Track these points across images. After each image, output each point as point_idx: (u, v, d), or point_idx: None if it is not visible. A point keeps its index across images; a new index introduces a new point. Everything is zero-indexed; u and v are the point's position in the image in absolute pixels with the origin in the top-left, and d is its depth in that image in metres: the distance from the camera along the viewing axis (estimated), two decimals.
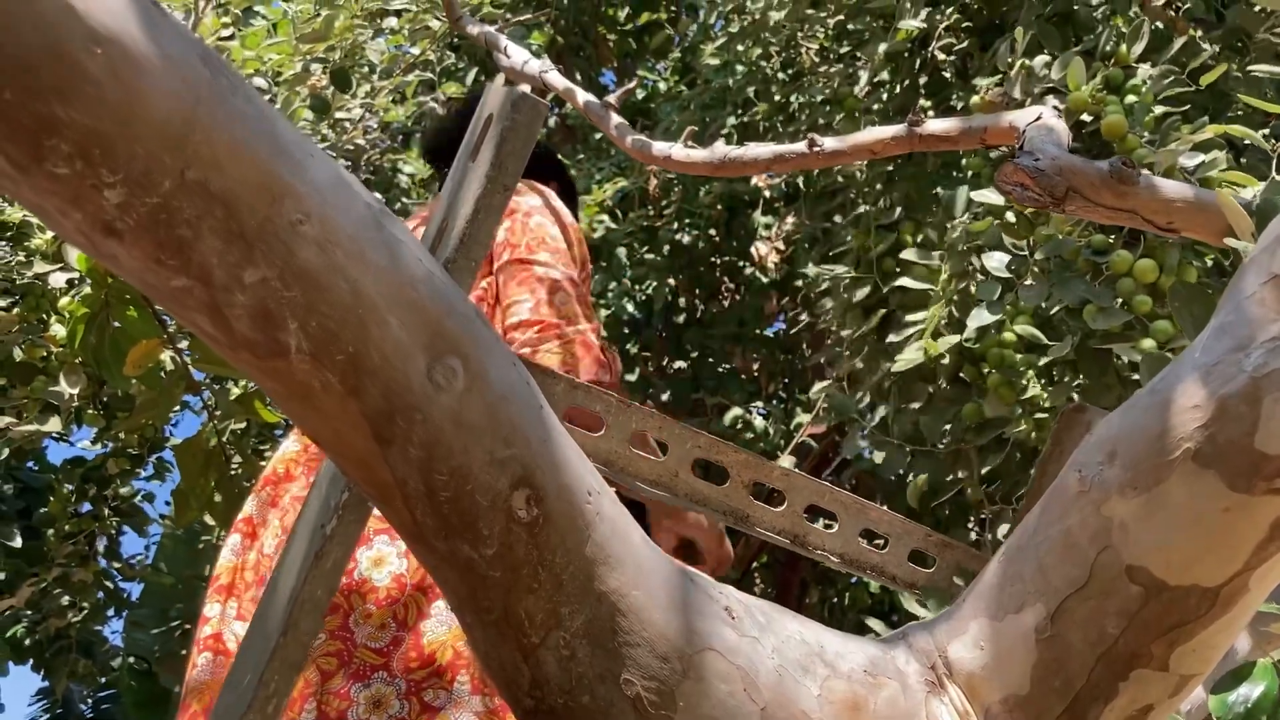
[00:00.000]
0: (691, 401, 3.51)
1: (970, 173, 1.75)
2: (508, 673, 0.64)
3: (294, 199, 0.52)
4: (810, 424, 2.82)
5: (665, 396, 3.55)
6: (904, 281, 1.57)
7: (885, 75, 2.05)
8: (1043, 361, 1.36)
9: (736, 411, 3.16)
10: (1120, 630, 0.66)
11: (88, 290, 1.96)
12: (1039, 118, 1.06)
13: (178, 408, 2.28)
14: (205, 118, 0.49)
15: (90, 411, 2.16)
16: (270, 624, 0.68)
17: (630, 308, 3.80)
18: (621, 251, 3.43)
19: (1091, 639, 0.67)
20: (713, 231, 3.44)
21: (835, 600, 3.69)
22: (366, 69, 2.33)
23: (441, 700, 1.06)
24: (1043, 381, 1.37)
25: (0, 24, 0.43)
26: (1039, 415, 1.40)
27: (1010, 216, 1.32)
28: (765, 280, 3.69)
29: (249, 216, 0.51)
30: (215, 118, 0.49)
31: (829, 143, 1.21)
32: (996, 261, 1.32)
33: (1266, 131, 1.23)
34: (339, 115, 2.60)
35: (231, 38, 2.42)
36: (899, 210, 1.94)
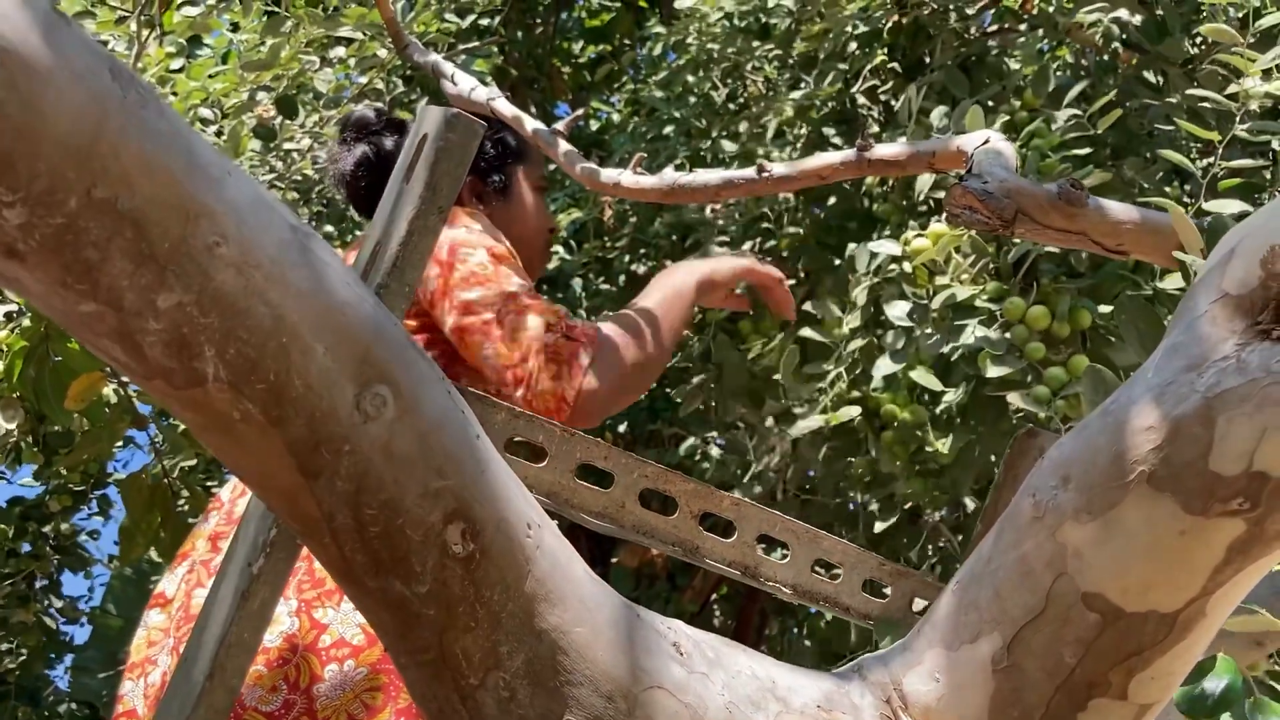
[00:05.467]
0: (648, 432, 3.48)
1: (882, 221, 1.76)
2: (445, 716, 0.61)
3: (210, 219, 0.50)
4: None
5: (622, 428, 3.51)
6: (806, 332, 1.56)
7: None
8: (940, 408, 1.35)
9: (692, 442, 3.14)
10: (1078, 659, 0.64)
11: (26, 323, 1.91)
12: (987, 141, 1.05)
13: (122, 443, 2.22)
14: (113, 132, 0.46)
15: (30, 448, 2.10)
16: (196, 668, 0.64)
17: None
18: (577, 283, 3.40)
19: (1049, 668, 0.65)
20: (668, 261, 3.43)
21: (795, 631, 3.66)
22: (312, 96, 2.30)
23: None
24: (935, 434, 1.36)
25: None
26: (934, 477, 1.38)
27: (907, 267, 1.31)
28: (721, 311, 3.67)
29: (161, 238, 0.48)
30: (124, 132, 0.47)
31: (778, 169, 1.19)
32: (899, 310, 1.32)
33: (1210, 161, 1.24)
34: (287, 146, 2.57)
35: (181, 70, 2.38)
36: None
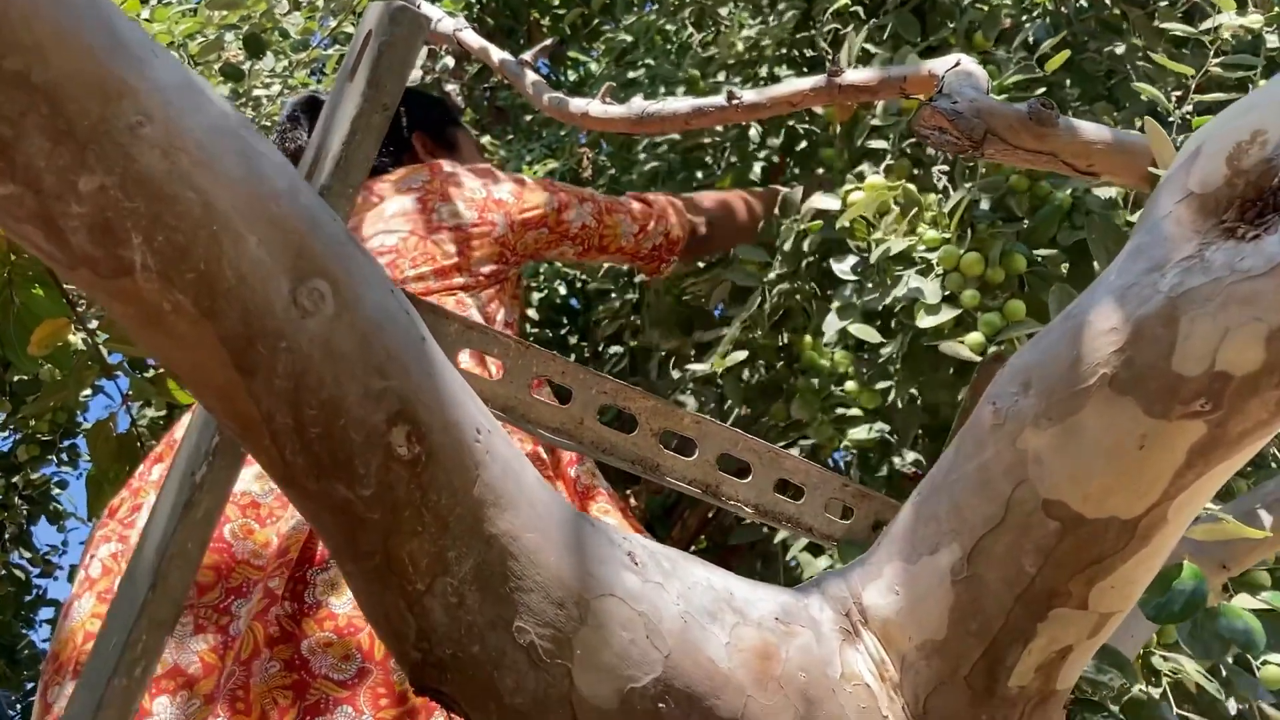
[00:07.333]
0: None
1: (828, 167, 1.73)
2: (393, 624, 0.60)
3: (133, 98, 0.48)
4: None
5: None
6: (731, 275, 1.55)
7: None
8: (880, 360, 1.34)
9: (669, 398, 3.13)
10: (1037, 568, 0.64)
11: None
12: (958, 63, 1.03)
13: (90, 391, 2.19)
14: (22, 0, 0.44)
15: None
16: (138, 580, 0.63)
17: (564, 291, 3.75)
18: None
19: (1009, 578, 0.64)
20: None
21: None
22: (280, 37, 2.26)
23: None
24: (861, 385, 1.34)
25: None
26: (850, 422, 1.37)
27: (846, 222, 1.30)
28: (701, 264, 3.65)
29: (80, 115, 0.46)
30: (35, 0, 0.44)
31: (748, 96, 1.17)
32: (845, 265, 1.30)
33: (1189, 109, 1.22)
34: (257, 92, 2.53)
35: (150, 20, 2.33)
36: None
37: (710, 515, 2.97)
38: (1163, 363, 0.58)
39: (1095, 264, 1.11)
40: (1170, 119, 1.17)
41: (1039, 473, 0.62)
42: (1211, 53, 1.21)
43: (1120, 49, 1.36)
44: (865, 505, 0.83)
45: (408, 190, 1.37)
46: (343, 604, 1.03)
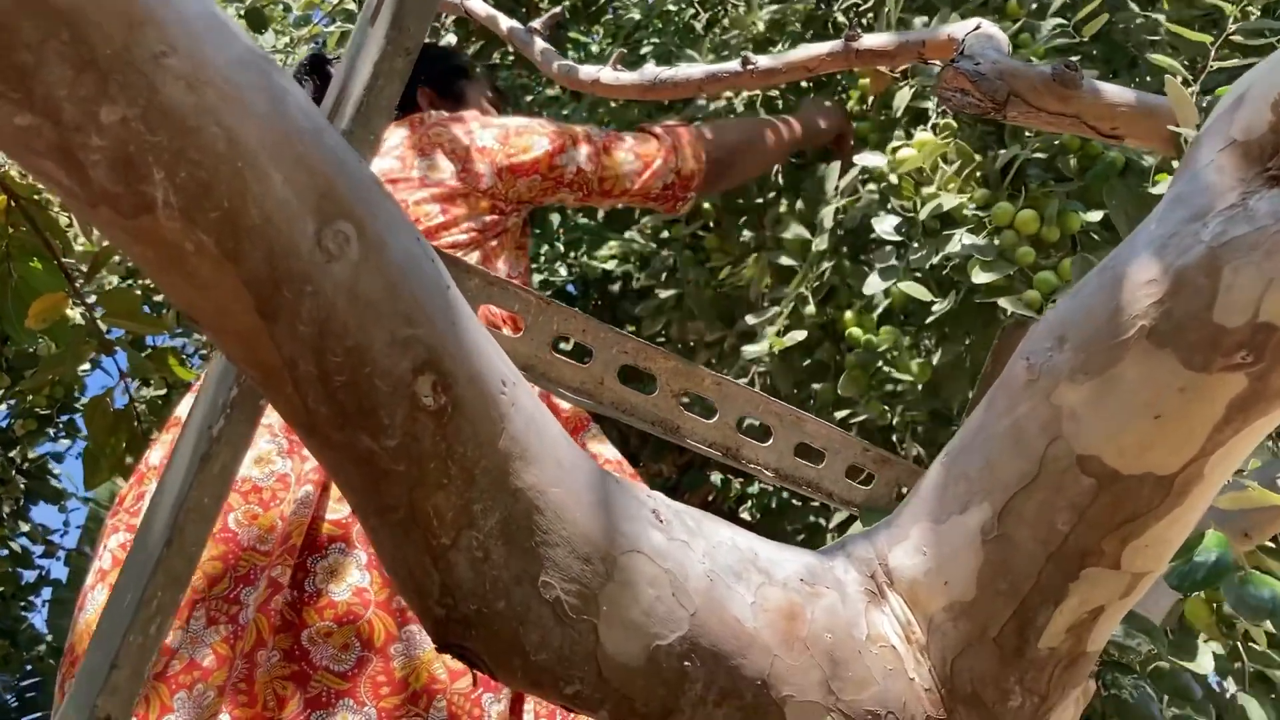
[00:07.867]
0: (628, 370, 3.43)
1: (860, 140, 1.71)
2: (416, 579, 0.58)
3: (156, 28, 0.46)
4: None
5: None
6: (772, 255, 1.53)
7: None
8: (928, 320, 1.33)
9: None
10: (1071, 526, 0.62)
11: None
12: (978, 26, 1.02)
13: (87, 367, 2.18)
14: None
15: None
16: (153, 535, 0.62)
17: (564, 273, 3.73)
18: (554, 217, 3.35)
19: (1041, 537, 0.63)
20: None
21: None
22: (282, 12, 2.23)
23: None
24: (909, 356, 1.33)
25: None
26: (894, 398, 1.35)
27: (894, 179, 1.28)
28: (686, 226, 3.62)
29: (103, 43, 0.45)
30: None
31: (763, 61, 1.16)
32: (887, 225, 1.28)
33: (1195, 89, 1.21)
34: None
35: None
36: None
37: (710, 498, 2.95)
38: (1203, 314, 0.57)
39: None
40: (1190, 88, 1.16)
41: (1074, 428, 0.61)
42: (1231, 19, 1.20)
43: (1139, 21, 1.35)
44: (887, 471, 0.82)
45: (388, 149, 1.32)
46: (341, 591, 1.02)
